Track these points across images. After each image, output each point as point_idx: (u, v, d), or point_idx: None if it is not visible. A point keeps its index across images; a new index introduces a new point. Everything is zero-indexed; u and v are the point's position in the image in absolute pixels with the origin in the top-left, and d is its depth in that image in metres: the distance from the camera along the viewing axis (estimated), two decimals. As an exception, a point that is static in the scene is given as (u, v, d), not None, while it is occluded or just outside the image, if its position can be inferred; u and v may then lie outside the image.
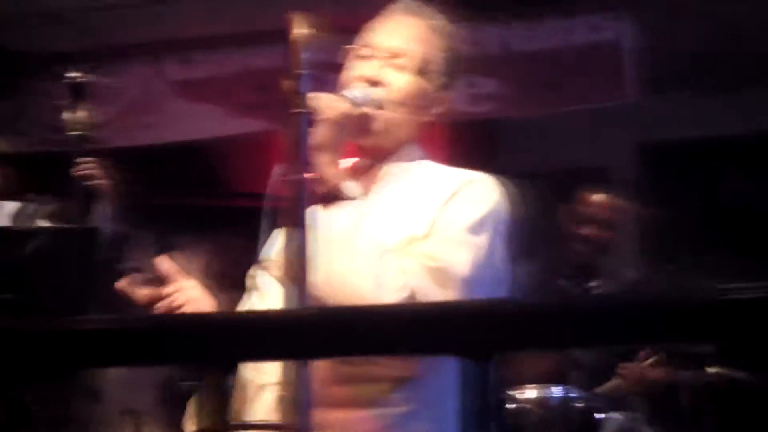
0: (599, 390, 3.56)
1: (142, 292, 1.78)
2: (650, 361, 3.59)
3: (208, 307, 1.78)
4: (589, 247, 3.79)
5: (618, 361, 3.64)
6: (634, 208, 4.28)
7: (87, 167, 3.38)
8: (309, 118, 1.53)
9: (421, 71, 1.87)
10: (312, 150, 1.58)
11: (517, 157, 5.52)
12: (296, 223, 1.44)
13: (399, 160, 1.89)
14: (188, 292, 1.79)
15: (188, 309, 1.76)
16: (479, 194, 1.80)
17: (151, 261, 1.84)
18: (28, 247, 2.58)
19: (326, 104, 1.67)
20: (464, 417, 1.72)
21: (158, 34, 4.73)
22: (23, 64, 4.82)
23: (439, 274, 1.66)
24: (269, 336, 0.78)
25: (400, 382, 1.70)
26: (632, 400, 3.70)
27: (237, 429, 1.66)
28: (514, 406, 3.28)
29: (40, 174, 3.97)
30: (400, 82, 1.85)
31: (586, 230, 3.79)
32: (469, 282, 1.67)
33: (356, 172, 1.85)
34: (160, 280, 1.81)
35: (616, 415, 3.65)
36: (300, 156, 1.48)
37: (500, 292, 1.79)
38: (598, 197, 3.84)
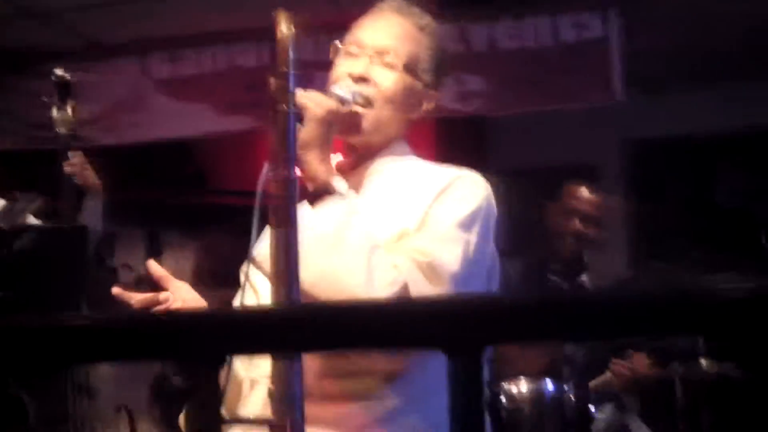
0: (591, 384, 3.57)
1: (137, 298, 1.80)
2: (640, 356, 3.60)
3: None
4: (577, 242, 3.81)
5: (610, 356, 3.66)
6: (621, 204, 4.30)
7: (75, 165, 3.37)
8: (297, 116, 1.54)
9: (409, 69, 1.88)
10: (300, 148, 1.59)
11: (505, 154, 5.54)
12: (285, 221, 1.44)
13: (387, 157, 1.90)
14: (181, 296, 1.82)
15: None
16: (468, 190, 1.80)
17: (140, 260, 1.86)
18: (16, 245, 2.58)
19: (314, 102, 1.68)
20: (456, 411, 1.73)
21: (145, 32, 4.72)
22: (10, 61, 4.80)
23: (430, 270, 1.66)
24: (259, 330, 0.78)
25: (391, 377, 1.71)
26: (624, 395, 3.72)
27: (230, 423, 1.66)
28: (506, 400, 3.29)
29: (27, 172, 3.96)
30: (388, 79, 1.86)
31: (574, 225, 3.80)
32: (459, 277, 1.68)
33: (344, 170, 1.86)
34: (151, 281, 1.83)
35: (608, 409, 3.67)
36: (288, 154, 1.48)
37: (490, 287, 1.80)
38: (585, 193, 3.86)
